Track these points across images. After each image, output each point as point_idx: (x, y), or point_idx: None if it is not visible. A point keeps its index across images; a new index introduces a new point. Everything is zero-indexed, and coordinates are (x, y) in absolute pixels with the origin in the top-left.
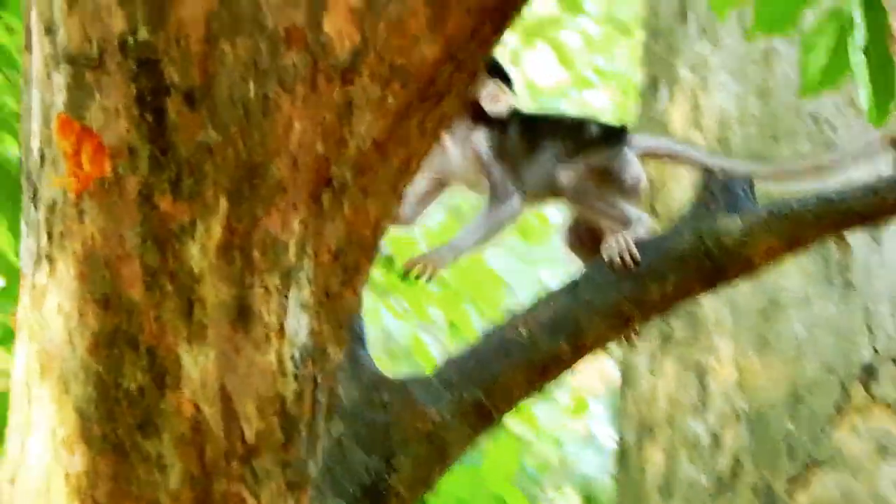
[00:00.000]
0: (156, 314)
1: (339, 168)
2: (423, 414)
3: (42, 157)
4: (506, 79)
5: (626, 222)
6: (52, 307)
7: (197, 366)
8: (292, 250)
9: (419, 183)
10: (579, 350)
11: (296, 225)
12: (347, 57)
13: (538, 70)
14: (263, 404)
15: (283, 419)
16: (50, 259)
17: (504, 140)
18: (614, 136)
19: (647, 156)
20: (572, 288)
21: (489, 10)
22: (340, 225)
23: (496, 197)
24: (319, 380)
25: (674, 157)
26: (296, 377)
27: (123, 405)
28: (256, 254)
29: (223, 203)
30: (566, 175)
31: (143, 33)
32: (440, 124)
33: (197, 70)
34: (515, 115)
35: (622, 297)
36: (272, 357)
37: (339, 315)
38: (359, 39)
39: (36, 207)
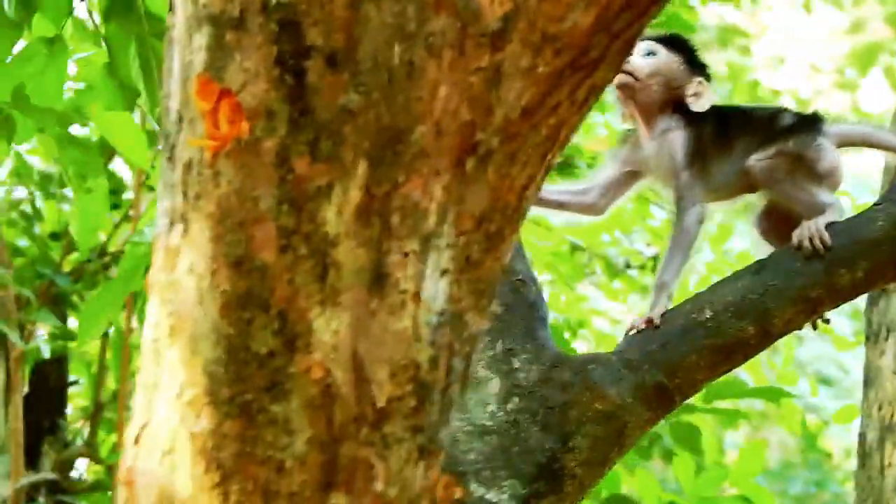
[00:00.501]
0: (289, 277)
1: (485, 134)
2: (603, 394)
3: (180, 118)
4: (707, 76)
5: (819, 208)
6: (184, 268)
7: (329, 330)
8: (432, 216)
9: (610, 172)
10: (766, 335)
11: (437, 190)
12: (498, 23)
13: (870, 97)
14: (396, 370)
15: (417, 385)
16: (185, 220)
17: (700, 139)
18: (808, 124)
19: (845, 144)
20: (758, 270)
21: None
22: (484, 191)
23: (679, 207)
24: (456, 347)
25: (871, 144)
26: (431, 343)
27: (253, 368)
28: (395, 219)
29: (362, 167)
30: (759, 163)
31: None
32: (592, 94)
33: (340, 33)
34: (712, 110)
35: (811, 282)
36: (407, 322)
37: (480, 283)
38: (510, 6)
39: (172, 168)
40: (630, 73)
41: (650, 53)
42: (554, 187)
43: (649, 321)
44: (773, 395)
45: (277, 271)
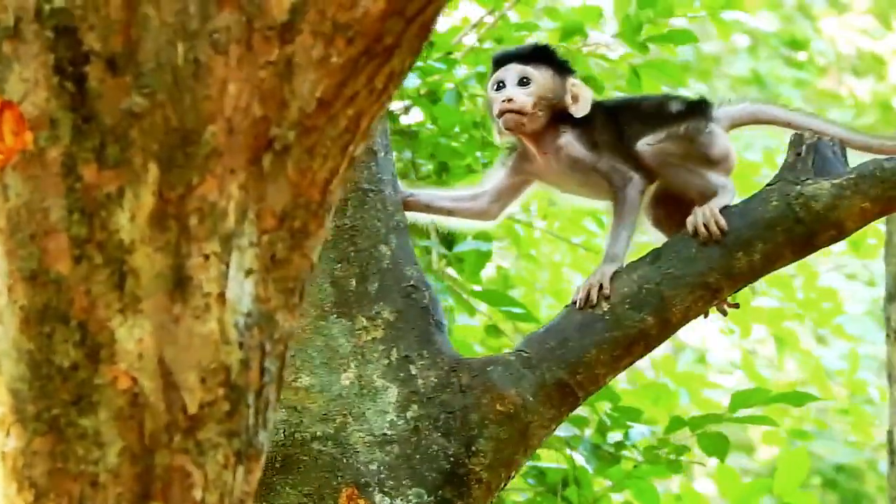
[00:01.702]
0: (86, 288)
1: (280, 129)
2: (503, 396)
3: None
4: (572, 72)
5: (712, 191)
6: None
7: (132, 338)
8: (231, 216)
9: (500, 179)
10: (666, 324)
11: (234, 190)
12: (286, 15)
13: None
14: (206, 374)
15: (229, 389)
16: None
17: (592, 134)
18: (696, 109)
19: (736, 125)
20: (654, 259)
21: None
22: (284, 188)
23: (616, 186)
24: (268, 347)
25: (761, 121)
26: (241, 345)
27: (57, 382)
28: (193, 221)
29: (153, 170)
30: (649, 147)
31: (58, 0)
32: (391, 81)
33: (118, 35)
34: (596, 107)
35: (708, 268)
36: (213, 325)
37: (288, 281)
38: None
39: None
40: (518, 112)
41: (524, 80)
42: (442, 192)
43: (600, 287)
44: (797, 399)
45: (74, 282)
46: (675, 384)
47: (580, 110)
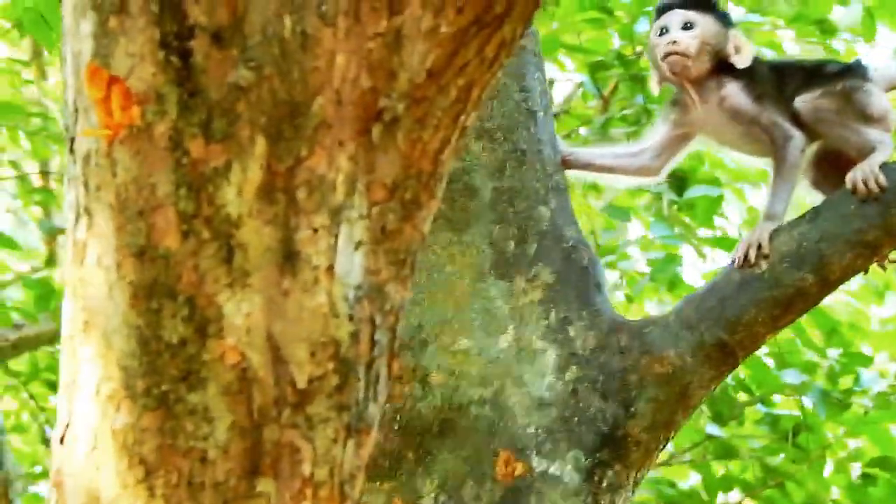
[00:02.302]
0: (194, 263)
1: (389, 101)
2: (662, 357)
3: (76, 109)
4: (734, 24)
5: (870, 148)
6: (92, 262)
7: (240, 313)
8: (340, 188)
9: (662, 134)
10: (826, 283)
11: (343, 162)
12: None
13: None
14: (315, 348)
15: (338, 362)
16: (88, 212)
17: (755, 87)
18: (853, 69)
19: (893, 87)
20: (813, 217)
21: None
22: (395, 159)
23: (777, 143)
24: (378, 320)
25: None
26: (350, 318)
27: (166, 358)
28: (301, 194)
29: (261, 143)
30: (806, 104)
31: None
32: (502, 50)
33: (224, 9)
34: (757, 63)
35: (867, 225)
36: (323, 299)
37: (398, 253)
38: None
39: (74, 161)
40: (682, 54)
41: (688, 25)
42: (603, 150)
43: (759, 247)
44: None
45: (182, 258)
46: None
47: (743, 61)
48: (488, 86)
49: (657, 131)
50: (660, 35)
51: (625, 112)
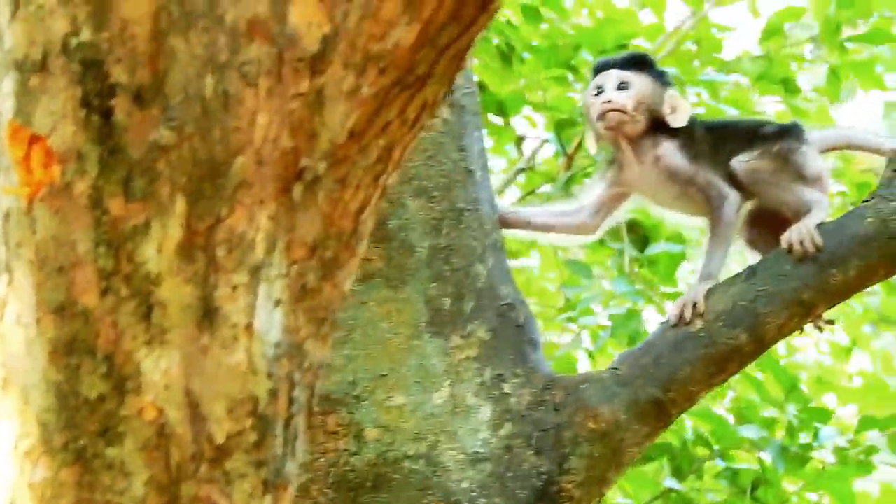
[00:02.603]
0: (112, 319)
1: (310, 160)
2: (596, 413)
3: None
4: (671, 83)
5: (806, 207)
6: (12, 319)
7: (159, 369)
8: (260, 247)
9: (598, 193)
10: (760, 342)
11: (264, 220)
12: (316, 46)
13: None
14: (234, 405)
15: (256, 419)
16: (9, 269)
17: (692, 147)
18: (789, 131)
19: (828, 149)
20: (749, 276)
21: None
22: (315, 218)
23: (713, 202)
24: (297, 378)
25: (853, 146)
26: (269, 376)
27: (84, 413)
28: (221, 252)
29: (181, 202)
30: (741, 166)
31: (85, 34)
32: (424, 111)
33: (146, 68)
34: (693, 122)
35: (803, 285)
36: (242, 356)
37: (318, 311)
38: (329, 28)
39: None
40: (619, 111)
41: (623, 84)
42: (540, 209)
43: (694, 305)
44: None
45: (100, 314)
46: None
47: (678, 121)
48: (410, 146)
49: (593, 190)
50: (595, 94)
51: (588, 169)
